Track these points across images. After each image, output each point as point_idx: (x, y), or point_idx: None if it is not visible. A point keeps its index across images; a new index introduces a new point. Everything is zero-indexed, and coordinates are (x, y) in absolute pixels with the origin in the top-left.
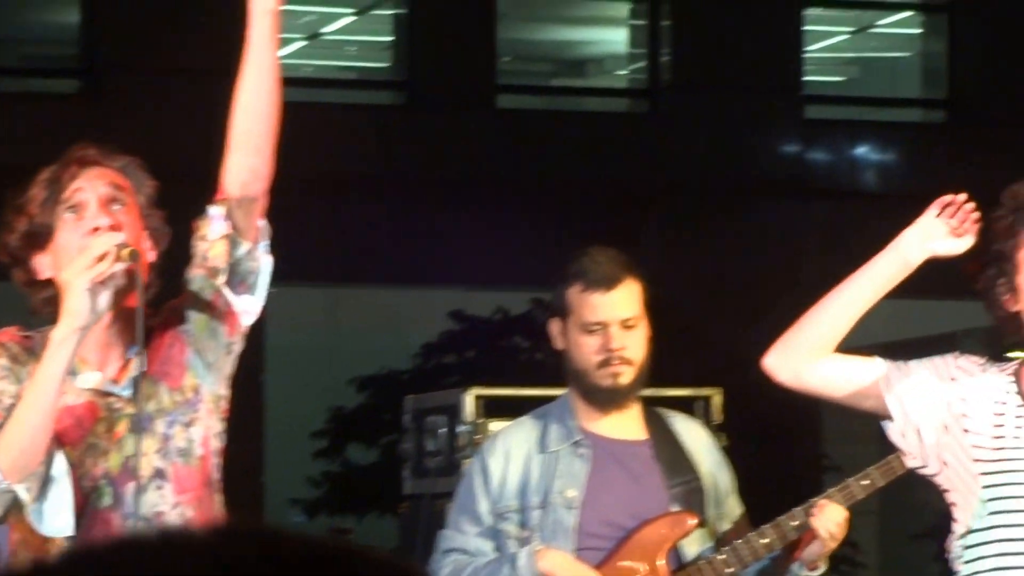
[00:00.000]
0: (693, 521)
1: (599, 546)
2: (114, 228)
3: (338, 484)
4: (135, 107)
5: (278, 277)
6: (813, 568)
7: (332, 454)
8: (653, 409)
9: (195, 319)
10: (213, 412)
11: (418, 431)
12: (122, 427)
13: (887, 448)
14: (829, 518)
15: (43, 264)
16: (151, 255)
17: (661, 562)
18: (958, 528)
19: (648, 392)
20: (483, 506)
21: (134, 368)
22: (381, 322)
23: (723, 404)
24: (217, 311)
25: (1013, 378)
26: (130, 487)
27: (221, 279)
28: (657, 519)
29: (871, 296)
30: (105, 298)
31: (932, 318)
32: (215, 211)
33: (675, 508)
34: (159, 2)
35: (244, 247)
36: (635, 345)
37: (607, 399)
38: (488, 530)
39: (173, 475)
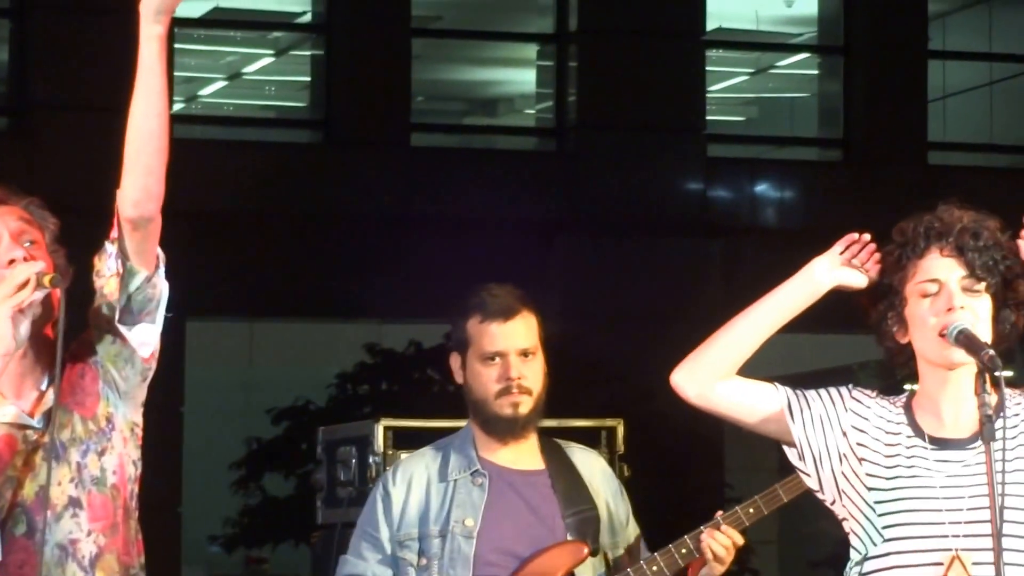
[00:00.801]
0: (586, 550)
1: (496, 574)
2: (28, 259)
3: (255, 514)
4: (65, 145)
5: (196, 311)
6: None
7: (249, 484)
8: (551, 440)
9: (104, 351)
10: (128, 440)
11: (330, 462)
12: (38, 458)
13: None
14: (716, 543)
15: None
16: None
17: None
18: (854, 555)
19: (552, 423)
20: (384, 533)
21: (48, 400)
22: (297, 355)
23: (626, 435)
24: (120, 340)
25: (902, 410)
26: (43, 516)
27: (116, 315)
28: (551, 548)
29: (779, 319)
30: (26, 326)
31: (827, 351)
32: (110, 248)
33: (570, 537)
34: (86, 42)
35: (141, 276)
36: (533, 375)
37: (506, 428)
38: (388, 557)
39: (88, 503)
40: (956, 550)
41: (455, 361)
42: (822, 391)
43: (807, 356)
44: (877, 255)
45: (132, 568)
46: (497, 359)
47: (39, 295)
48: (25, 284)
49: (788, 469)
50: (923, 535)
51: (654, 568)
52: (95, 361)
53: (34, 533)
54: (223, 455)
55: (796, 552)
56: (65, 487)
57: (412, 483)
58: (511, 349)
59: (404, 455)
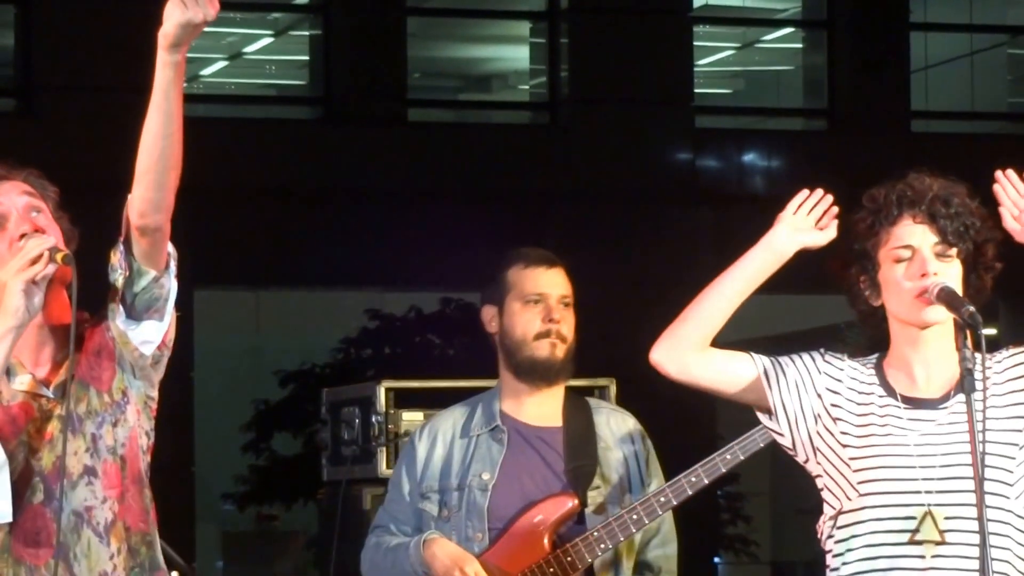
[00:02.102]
0: (572, 502)
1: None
2: (38, 231)
3: (265, 473)
4: (67, 124)
5: (206, 281)
6: None
7: (259, 444)
8: (581, 398)
9: (118, 334)
10: (142, 412)
11: (334, 422)
12: (51, 427)
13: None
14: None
15: None
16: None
17: (545, 540)
18: (828, 510)
19: None
20: (406, 487)
21: (63, 371)
22: (302, 321)
23: (619, 393)
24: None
25: (873, 371)
26: (62, 483)
27: (121, 310)
28: (542, 500)
29: (745, 288)
30: (39, 298)
31: (816, 311)
32: (121, 247)
33: (561, 490)
34: (89, 24)
35: (148, 277)
36: (568, 325)
37: (540, 373)
38: (409, 508)
39: (103, 471)
40: (929, 506)
41: (488, 313)
42: (795, 357)
43: (795, 316)
44: (834, 209)
45: (148, 535)
46: (539, 302)
47: (51, 269)
48: (38, 259)
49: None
50: (896, 491)
51: (633, 517)
52: (111, 337)
53: (51, 501)
54: (233, 417)
55: (786, 501)
56: (81, 456)
57: (437, 439)
58: (553, 293)
59: (407, 414)
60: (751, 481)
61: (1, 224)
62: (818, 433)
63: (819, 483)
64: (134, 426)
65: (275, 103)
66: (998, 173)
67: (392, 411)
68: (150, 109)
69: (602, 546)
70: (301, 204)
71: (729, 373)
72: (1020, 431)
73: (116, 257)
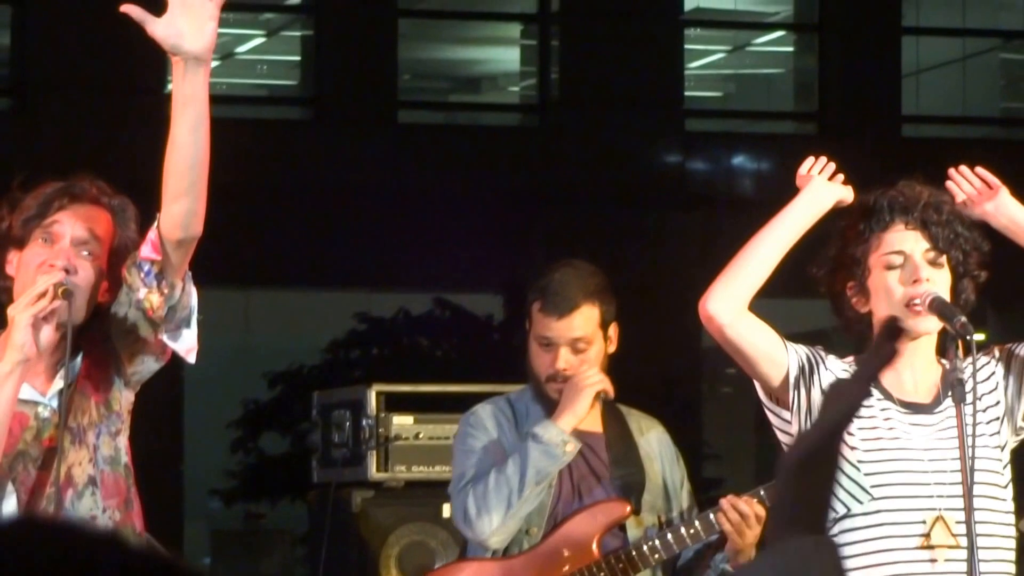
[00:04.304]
0: (627, 508)
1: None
2: (67, 269)
3: (253, 472)
4: (62, 123)
5: (196, 280)
6: (736, 565)
7: (247, 443)
8: (614, 405)
9: (121, 346)
10: (127, 419)
11: (325, 424)
12: (50, 435)
13: (765, 439)
14: (736, 514)
15: (13, 262)
16: (107, 297)
17: (594, 544)
18: (829, 512)
19: None
20: (484, 443)
21: (59, 380)
22: (291, 322)
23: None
24: (149, 346)
25: None
26: (68, 494)
27: (160, 329)
28: (594, 505)
29: (790, 240)
30: (47, 332)
31: (802, 316)
32: (145, 266)
33: (614, 496)
34: (84, 24)
35: (177, 289)
36: (585, 363)
37: (553, 408)
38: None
39: (101, 481)
40: (940, 510)
41: (527, 326)
42: (804, 348)
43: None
44: (839, 176)
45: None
46: (549, 347)
47: (56, 304)
48: (44, 294)
49: (763, 428)
50: (910, 495)
51: (690, 531)
52: (110, 351)
53: (60, 510)
54: (222, 416)
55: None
56: (85, 467)
57: (491, 427)
58: (562, 341)
59: (397, 418)
60: (739, 486)
61: (49, 241)
62: None
63: None
64: (127, 435)
65: (266, 103)
66: (951, 171)
67: (383, 415)
68: (182, 119)
69: (656, 556)
70: (291, 204)
71: (765, 344)
72: (999, 433)
73: (134, 275)
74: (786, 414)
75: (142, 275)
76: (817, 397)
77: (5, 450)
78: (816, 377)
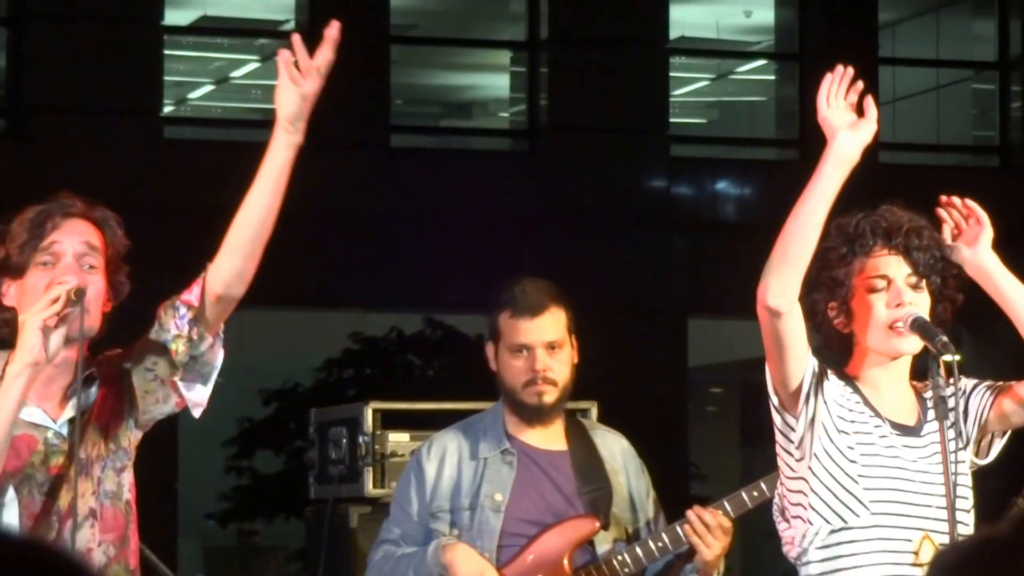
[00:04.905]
0: (596, 524)
1: (518, 544)
2: (79, 284)
3: (247, 490)
4: (60, 147)
5: None
6: (705, 574)
7: (241, 461)
8: (577, 421)
9: (140, 384)
10: (133, 456)
11: (322, 441)
12: (57, 462)
13: (750, 458)
14: (702, 525)
15: (10, 292)
16: (108, 306)
17: (564, 560)
18: (820, 523)
19: None
20: (415, 506)
21: (70, 408)
22: (285, 341)
23: (598, 415)
24: (164, 386)
25: (853, 391)
26: (68, 524)
27: (179, 373)
28: (564, 521)
29: (827, 206)
30: (58, 337)
31: None
32: (183, 309)
33: (583, 512)
34: (82, 47)
35: (207, 342)
36: (559, 367)
37: (532, 415)
38: (419, 526)
39: (100, 515)
40: (926, 531)
41: (490, 350)
42: (814, 358)
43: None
44: (859, 83)
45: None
46: (524, 352)
47: (70, 310)
48: (56, 300)
49: (751, 445)
50: (904, 513)
51: (658, 544)
52: (126, 387)
53: (59, 540)
54: (217, 434)
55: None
56: (88, 499)
57: (445, 459)
58: (537, 343)
59: (393, 435)
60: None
61: (51, 263)
62: (819, 438)
63: (805, 490)
64: (131, 471)
65: (260, 127)
66: (942, 198)
67: (379, 432)
68: (261, 185)
69: (627, 570)
70: (285, 226)
71: (800, 344)
72: (964, 462)
73: (169, 316)
74: (792, 420)
75: (177, 317)
76: (822, 409)
77: (12, 471)
78: (822, 389)
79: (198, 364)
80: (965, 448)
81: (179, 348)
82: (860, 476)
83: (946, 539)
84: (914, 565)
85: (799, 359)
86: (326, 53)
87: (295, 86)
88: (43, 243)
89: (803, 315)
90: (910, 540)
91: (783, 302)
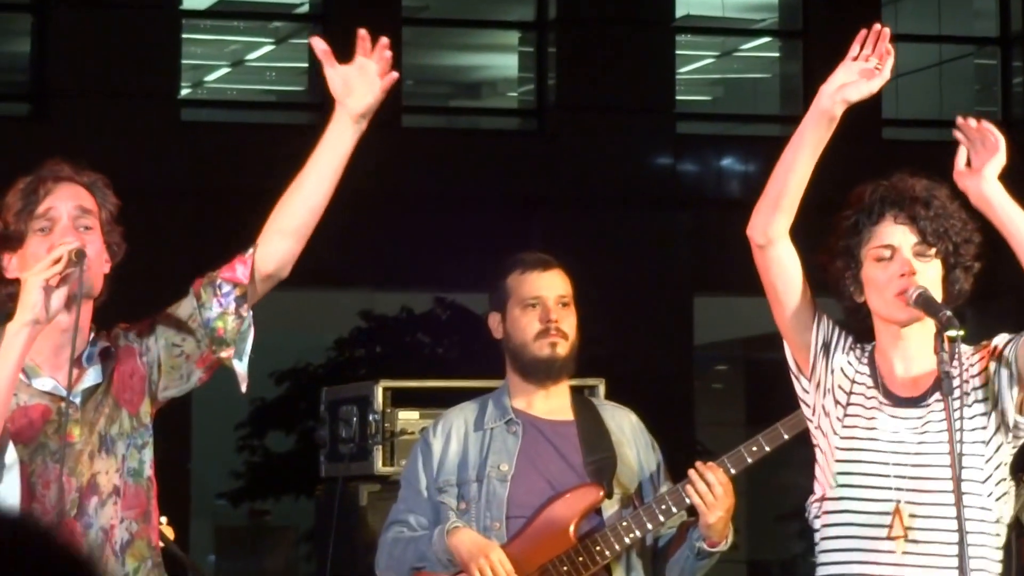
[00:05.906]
0: (600, 493)
1: (526, 515)
2: (79, 244)
3: (259, 470)
4: (81, 129)
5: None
6: (712, 543)
7: (253, 440)
8: (583, 396)
9: (165, 360)
10: (152, 431)
11: (333, 420)
12: (71, 431)
13: (756, 434)
14: (704, 484)
15: (11, 264)
16: (106, 267)
17: (571, 528)
18: (817, 490)
19: None
20: (423, 482)
21: (86, 378)
22: (296, 321)
23: (606, 393)
24: (196, 362)
25: (867, 363)
26: (92, 501)
27: (226, 351)
28: (570, 491)
29: (813, 156)
30: (59, 297)
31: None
32: (226, 287)
33: (587, 481)
34: (103, 32)
35: (249, 317)
36: (569, 322)
37: (544, 371)
38: (426, 503)
39: (123, 492)
40: (897, 503)
41: (493, 320)
42: (836, 326)
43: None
44: (890, 48)
45: (157, 556)
46: (537, 304)
47: (70, 270)
48: (58, 260)
49: (756, 422)
50: (871, 485)
51: (662, 507)
52: (147, 362)
53: (82, 515)
54: (229, 414)
55: (764, 505)
56: (111, 476)
57: (451, 434)
58: (550, 295)
59: (403, 413)
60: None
61: (48, 228)
62: (823, 407)
63: (816, 453)
64: (152, 448)
65: (275, 108)
66: (958, 119)
67: (389, 410)
68: (321, 173)
69: (631, 535)
70: None
71: (796, 278)
72: (986, 428)
73: (210, 294)
74: (806, 384)
75: (220, 295)
76: (828, 378)
77: (26, 440)
78: (831, 357)
79: (245, 342)
80: (988, 416)
81: (228, 325)
82: (836, 448)
83: (925, 511)
84: (888, 539)
85: (792, 302)
86: (380, 54)
87: (364, 77)
88: (38, 209)
89: (833, 283)
90: (886, 513)
91: (756, 234)
